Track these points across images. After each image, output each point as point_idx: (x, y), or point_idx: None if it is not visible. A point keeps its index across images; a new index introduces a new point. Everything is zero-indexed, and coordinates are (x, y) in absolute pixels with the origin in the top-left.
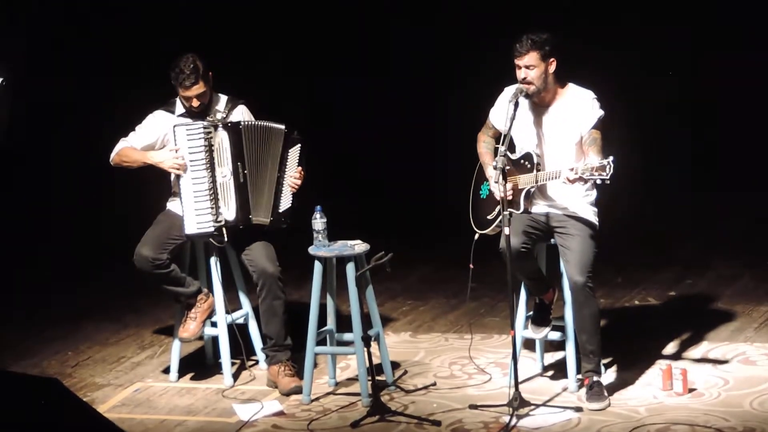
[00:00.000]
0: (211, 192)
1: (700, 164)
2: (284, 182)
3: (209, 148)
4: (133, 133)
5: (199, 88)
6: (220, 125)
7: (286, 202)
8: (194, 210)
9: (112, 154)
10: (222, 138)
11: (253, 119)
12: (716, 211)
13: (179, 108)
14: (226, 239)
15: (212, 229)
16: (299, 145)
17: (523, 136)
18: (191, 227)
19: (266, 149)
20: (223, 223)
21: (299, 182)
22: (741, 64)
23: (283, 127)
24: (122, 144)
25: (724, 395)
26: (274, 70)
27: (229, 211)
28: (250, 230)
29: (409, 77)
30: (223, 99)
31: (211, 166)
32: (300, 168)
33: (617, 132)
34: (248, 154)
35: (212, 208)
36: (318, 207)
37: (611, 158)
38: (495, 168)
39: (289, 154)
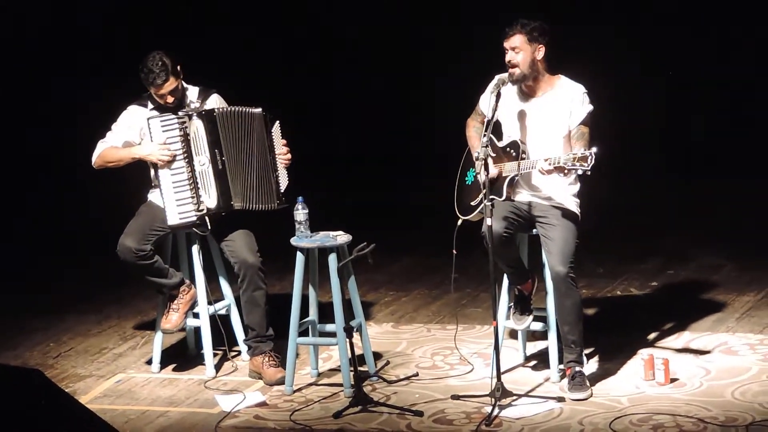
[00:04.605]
0: (191, 181)
1: (682, 154)
2: (278, 163)
3: (185, 138)
4: (110, 132)
5: (170, 85)
6: (195, 114)
7: (284, 181)
8: (175, 201)
9: (94, 158)
10: (197, 126)
11: (227, 106)
12: (698, 201)
13: (152, 102)
14: (209, 228)
15: (194, 218)
16: (277, 122)
17: (511, 124)
18: (173, 218)
19: (246, 134)
20: (204, 211)
21: (289, 156)
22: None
23: (260, 110)
24: (102, 146)
25: (705, 385)
26: (256, 58)
27: (210, 199)
28: (232, 218)
29: (391, 64)
30: (195, 90)
31: (189, 156)
32: (284, 141)
33: (601, 123)
34: (225, 140)
35: (193, 197)
36: (300, 198)
37: (594, 149)
38: (477, 159)
39: (272, 134)
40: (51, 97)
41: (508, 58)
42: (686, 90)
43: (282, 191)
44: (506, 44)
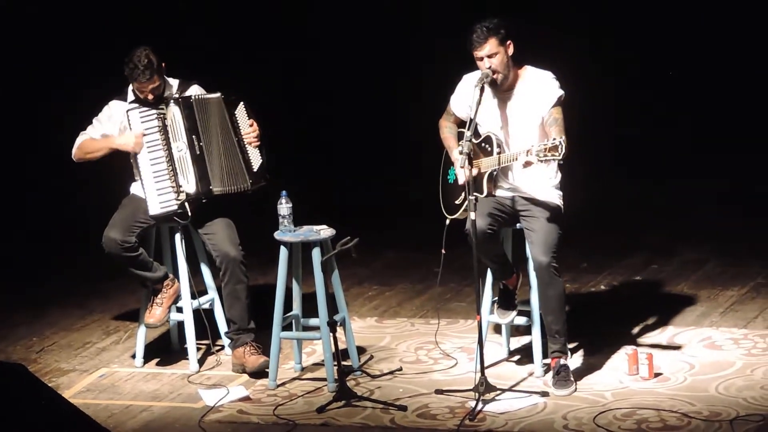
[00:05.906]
0: (170, 170)
1: (667, 149)
2: (245, 143)
3: (164, 128)
4: (90, 126)
5: (153, 83)
6: (171, 101)
7: (257, 160)
8: (156, 190)
9: (74, 150)
10: (174, 113)
11: (203, 93)
12: (682, 196)
13: (131, 96)
14: (189, 214)
15: (175, 206)
16: (241, 103)
17: (487, 120)
18: (155, 208)
19: (215, 120)
20: (184, 198)
21: (257, 134)
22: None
23: (218, 94)
24: (81, 138)
25: (689, 380)
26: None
27: (189, 185)
28: (213, 207)
29: (374, 60)
30: (175, 83)
31: (167, 145)
32: (251, 121)
33: (582, 116)
34: (202, 126)
35: (173, 185)
36: (283, 192)
37: (562, 137)
38: (461, 153)
39: (236, 116)
40: (38, 95)
41: (486, 65)
42: (678, 89)
43: (255, 170)
44: (479, 53)
